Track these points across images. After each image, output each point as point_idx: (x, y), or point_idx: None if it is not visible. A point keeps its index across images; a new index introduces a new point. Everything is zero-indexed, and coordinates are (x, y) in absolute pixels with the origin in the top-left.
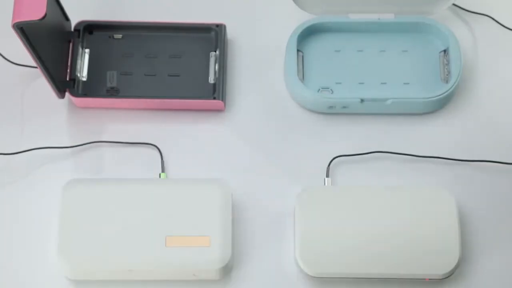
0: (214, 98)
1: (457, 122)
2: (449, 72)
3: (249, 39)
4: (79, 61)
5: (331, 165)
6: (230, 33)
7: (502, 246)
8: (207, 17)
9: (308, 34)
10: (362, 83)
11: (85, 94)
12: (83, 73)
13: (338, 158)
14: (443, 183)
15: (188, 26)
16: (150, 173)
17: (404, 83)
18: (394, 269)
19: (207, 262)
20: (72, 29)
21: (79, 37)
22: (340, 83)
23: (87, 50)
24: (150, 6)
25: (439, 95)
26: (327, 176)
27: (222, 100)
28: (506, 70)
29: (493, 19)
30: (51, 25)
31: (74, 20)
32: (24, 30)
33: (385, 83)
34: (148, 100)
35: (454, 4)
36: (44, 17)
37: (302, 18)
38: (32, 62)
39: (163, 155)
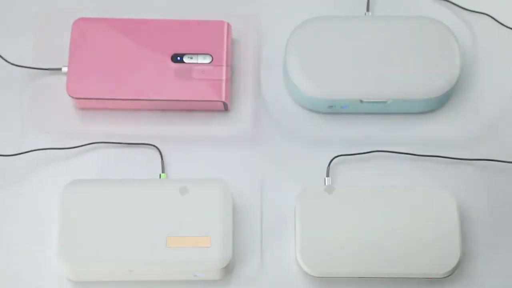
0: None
1: (457, 121)
2: None
3: (249, 38)
4: None
5: (331, 164)
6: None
7: (503, 245)
8: (209, 16)
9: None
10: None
11: (85, 95)
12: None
13: (338, 157)
14: (443, 182)
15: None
16: (150, 174)
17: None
18: (395, 268)
19: (208, 262)
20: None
21: None
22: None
23: None
24: (151, 6)
25: (439, 94)
26: (327, 175)
27: (223, 100)
28: (505, 68)
29: (492, 17)
30: None
31: (73, 18)
32: None
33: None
34: (149, 101)
35: (453, 3)
36: None
37: (302, 18)
38: (32, 63)
39: (163, 155)
